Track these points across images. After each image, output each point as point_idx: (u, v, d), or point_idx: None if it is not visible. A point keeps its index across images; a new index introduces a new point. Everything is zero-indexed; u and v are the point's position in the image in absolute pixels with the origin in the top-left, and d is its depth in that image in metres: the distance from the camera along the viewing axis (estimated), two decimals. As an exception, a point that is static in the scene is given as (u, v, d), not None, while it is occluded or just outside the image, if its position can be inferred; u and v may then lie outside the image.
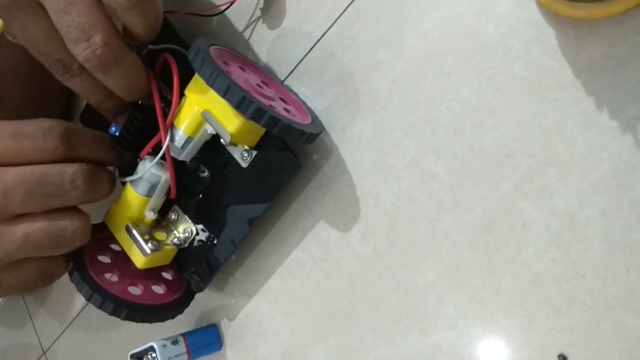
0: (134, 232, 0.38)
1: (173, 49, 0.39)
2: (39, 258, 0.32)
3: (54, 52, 0.29)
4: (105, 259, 0.40)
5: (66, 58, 0.29)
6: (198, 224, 0.40)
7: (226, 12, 0.44)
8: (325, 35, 0.39)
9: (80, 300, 0.57)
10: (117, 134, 0.37)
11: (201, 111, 0.35)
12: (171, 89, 0.36)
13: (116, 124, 0.36)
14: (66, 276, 0.38)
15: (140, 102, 0.37)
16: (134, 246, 0.38)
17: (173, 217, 0.41)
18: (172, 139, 0.36)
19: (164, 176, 0.37)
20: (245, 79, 0.35)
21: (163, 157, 0.36)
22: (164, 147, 0.35)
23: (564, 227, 0.30)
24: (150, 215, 0.39)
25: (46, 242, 0.30)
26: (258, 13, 0.43)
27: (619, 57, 0.28)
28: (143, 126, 0.38)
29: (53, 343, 0.62)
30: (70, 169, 0.30)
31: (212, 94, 0.32)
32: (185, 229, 0.41)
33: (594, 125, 0.29)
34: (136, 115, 0.37)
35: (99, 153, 0.33)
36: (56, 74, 0.31)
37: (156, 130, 0.37)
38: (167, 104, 0.37)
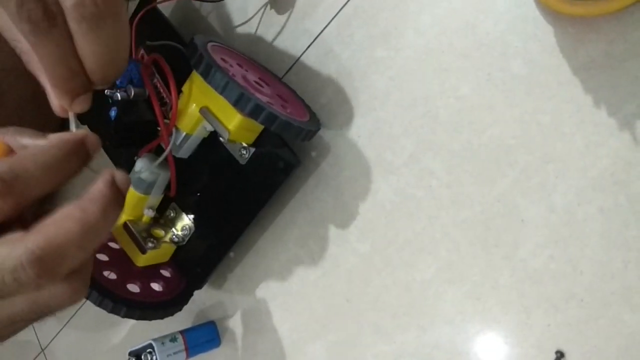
0: (133, 229, 0.38)
1: (171, 46, 0.39)
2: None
3: None
4: (103, 257, 0.40)
5: None
6: (196, 221, 0.40)
7: (224, 8, 0.44)
8: (323, 32, 0.39)
9: (78, 297, 0.57)
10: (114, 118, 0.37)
11: (199, 108, 0.35)
12: (166, 84, 0.36)
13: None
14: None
15: (133, 96, 0.36)
16: (133, 244, 0.38)
17: (171, 214, 0.41)
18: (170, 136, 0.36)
19: (162, 174, 0.37)
20: (243, 75, 0.35)
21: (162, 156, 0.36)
22: (167, 150, 0.35)
23: (562, 224, 0.30)
24: (148, 213, 0.39)
25: (34, 314, 0.24)
26: (256, 10, 0.42)
27: (618, 54, 0.29)
28: (134, 122, 0.37)
29: (51, 341, 0.62)
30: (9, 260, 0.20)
31: (210, 90, 0.32)
32: (184, 227, 0.41)
33: (592, 122, 0.29)
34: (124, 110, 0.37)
35: (55, 178, 0.23)
36: (27, 25, 0.22)
37: (147, 124, 0.36)
38: (162, 102, 0.37)
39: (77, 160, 0.23)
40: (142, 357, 0.40)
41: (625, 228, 0.28)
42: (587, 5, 0.27)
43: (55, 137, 0.23)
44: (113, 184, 0.23)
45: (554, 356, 0.30)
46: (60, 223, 0.21)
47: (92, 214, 0.22)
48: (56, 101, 0.24)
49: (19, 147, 0.23)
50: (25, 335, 0.66)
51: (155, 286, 0.40)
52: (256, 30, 0.42)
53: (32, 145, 0.23)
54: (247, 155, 0.37)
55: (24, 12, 0.21)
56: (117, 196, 0.23)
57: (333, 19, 0.38)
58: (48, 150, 0.22)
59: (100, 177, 0.23)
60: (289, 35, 0.41)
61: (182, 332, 0.42)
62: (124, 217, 0.38)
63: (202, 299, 0.46)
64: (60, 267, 0.21)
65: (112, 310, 0.36)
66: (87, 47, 0.24)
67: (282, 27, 0.41)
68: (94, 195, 0.22)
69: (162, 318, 0.39)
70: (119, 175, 0.23)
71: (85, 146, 0.23)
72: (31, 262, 0.20)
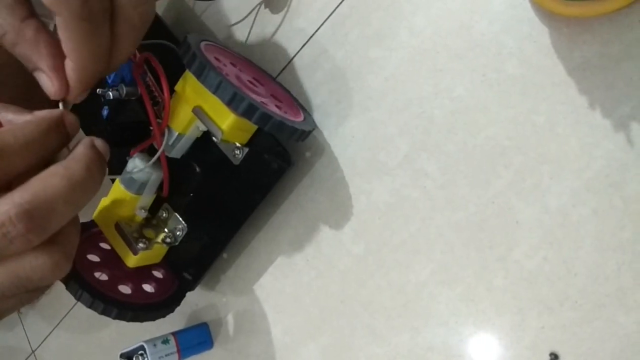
0: (124, 230, 0.38)
1: (163, 44, 0.38)
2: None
3: None
4: (94, 257, 0.39)
5: None
6: (189, 222, 0.40)
7: (218, 7, 0.43)
8: (318, 32, 0.39)
9: (69, 299, 0.57)
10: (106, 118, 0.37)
11: (192, 108, 0.34)
12: (158, 83, 0.35)
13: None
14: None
15: (125, 95, 0.36)
16: (124, 245, 0.38)
17: (164, 215, 0.41)
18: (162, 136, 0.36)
19: (155, 174, 0.37)
20: (237, 75, 0.34)
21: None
22: (160, 150, 0.35)
23: (556, 226, 0.30)
24: (140, 214, 0.39)
25: (16, 289, 0.23)
26: (250, 9, 0.42)
27: (612, 55, 0.28)
28: (126, 120, 0.37)
29: (42, 343, 0.62)
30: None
31: (204, 90, 0.32)
32: (176, 227, 0.40)
33: (586, 123, 0.29)
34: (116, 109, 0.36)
35: (35, 152, 0.22)
36: (85, 22, 0.22)
37: (139, 123, 0.36)
38: (155, 102, 0.36)
39: (56, 136, 0.23)
40: (134, 359, 0.39)
41: (619, 230, 0.28)
42: (582, 6, 0.27)
43: (39, 114, 0.23)
44: (94, 146, 0.23)
45: (548, 358, 0.30)
46: (46, 180, 0.21)
47: (76, 170, 0.22)
48: (57, 84, 0.24)
49: (5, 122, 0.24)
50: (16, 337, 0.65)
51: (147, 287, 0.40)
52: (250, 29, 0.42)
53: (16, 120, 0.23)
54: (240, 156, 0.37)
55: (86, 9, 0.22)
56: (99, 156, 0.23)
57: (327, 18, 0.38)
58: (26, 125, 0.22)
59: (80, 142, 0.23)
60: (283, 35, 0.40)
61: (174, 333, 0.42)
62: (115, 217, 0.38)
63: (195, 300, 0.45)
64: (48, 223, 0.21)
65: (103, 312, 0.35)
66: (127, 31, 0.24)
67: (277, 27, 0.41)
68: (76, 154, 0.22)
69: (153, 320, 0.39)
70: (98, 141, 0.23)
71: (63, 123, 0.24)
72: (19, 216, 0.20)
